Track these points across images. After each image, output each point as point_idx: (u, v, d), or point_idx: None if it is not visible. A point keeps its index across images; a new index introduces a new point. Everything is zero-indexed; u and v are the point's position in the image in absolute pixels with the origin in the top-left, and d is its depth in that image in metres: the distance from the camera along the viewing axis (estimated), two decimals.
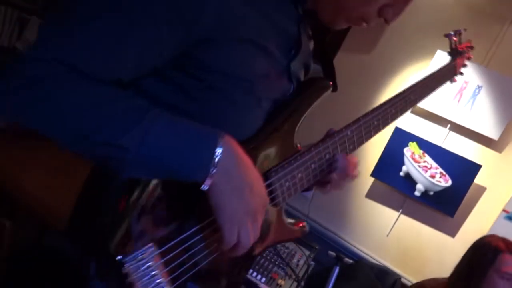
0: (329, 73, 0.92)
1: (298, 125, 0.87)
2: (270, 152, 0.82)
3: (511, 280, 1.52)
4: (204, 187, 0.64)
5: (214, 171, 0.63)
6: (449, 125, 2.36)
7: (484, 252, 1.60)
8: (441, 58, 2.37)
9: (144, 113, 0.60)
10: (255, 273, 1.94)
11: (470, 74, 2.33)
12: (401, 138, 2.41)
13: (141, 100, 0.63)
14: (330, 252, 2.25)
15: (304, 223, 1.00)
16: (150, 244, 0.66)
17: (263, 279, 1.94)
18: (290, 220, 0.97)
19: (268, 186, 0.80)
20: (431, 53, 2.41)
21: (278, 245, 2.17)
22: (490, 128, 2.26)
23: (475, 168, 2.25)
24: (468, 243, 2.30)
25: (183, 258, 0.72)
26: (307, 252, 2.24)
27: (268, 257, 2.05)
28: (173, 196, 0.69)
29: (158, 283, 0.67)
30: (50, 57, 0.57)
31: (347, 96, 2.46)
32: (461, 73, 1.26)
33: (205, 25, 0.64)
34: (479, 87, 2.31)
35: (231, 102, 0.74)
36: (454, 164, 2.30)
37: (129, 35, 0.61)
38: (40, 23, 3.53)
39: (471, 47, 1.26)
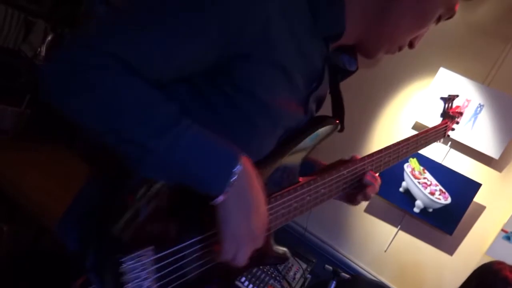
0: (338, 113, 0.98)
1: (303, 159, 0.91)
2: (274, 178, 0.86)
3: None
4: (216, 201, 0.67)
5: (229, 188, 0.66)
6: (450, 143, 2.36)
7: (491, 281, 1.55)
8: (444, 76, 2.39)
9: (177, 121, 0.63)
10: (251, 285, 1.93)
11: (472, 93, 2.34)
12: None
13: (175, 107, 0.65)
14: (327, 266, 2.23)
15: (286, 251, 1.03)
16: (152, 247, 0.68)
17: None
18: (276, 246, 1.00)
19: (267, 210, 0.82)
20: (434, 70, 2.42)
21: None
22: (490, 147, 2.26)
23: (475, 186, 2.24)
24: (466, 262, 2.30)
25: (175, 266, 0.73)
26: (304, 265, 2.22)
27: (265, 269, 2.04)
28: (179, 204, 0.71)
29: (148, 287, 0.68)
30: (106, 49, 0.60)
31: (348, 112, 2.47)
32: (448, 135, 1.41)
33: (246, 40, 0.67)
34: (480, 106, 2.32)
35: (251, 123, 0.76)
36: (454, 182, 2.29)
37: (180, 40, 0.64)
38: (45, 26, 3.56)
39: (461, 113, 1.43)
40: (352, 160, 1.01)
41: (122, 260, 0.65)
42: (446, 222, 2.30)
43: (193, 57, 0.67)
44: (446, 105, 1.42)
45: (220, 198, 0.66)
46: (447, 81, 2.39)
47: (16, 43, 3.44)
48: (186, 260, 0.75)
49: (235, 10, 0.64)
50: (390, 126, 2.56)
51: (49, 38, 3.51)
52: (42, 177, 1.99)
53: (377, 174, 1.04)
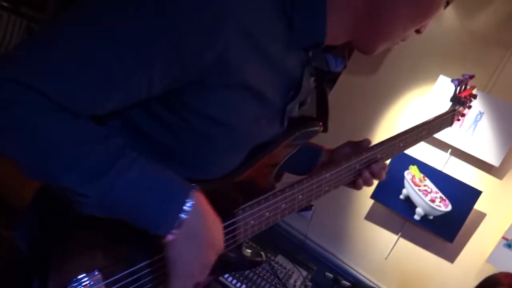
0: (322, 114, 0.91)
1: (279, 165, 0.86)
2: (245, 188, 0.81)
3: None
4: (165, 241, 0.63)
5: (177, 229, 0.62)
6: (450, 150, 2.37)
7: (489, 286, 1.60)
8: (444, 83, 2.39)
9: (113, 162, 0.56)
10: None
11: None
12: (401, 161, 2.41)
13: (115, 140, 0.58)
14: (328, 274, 2.23)
15: (262, 255, 0.98)
16: (96, 272, 0.64)
17: None
18: (248, 251, 0.95)
19: (232, 224, 0.78)
20: (434, 78, 2.42)
21: (275, 265, 2.15)
22: (491, 154, 2.27)
23: (475, 194, 2.24)
24: (467, 270, 2.29)
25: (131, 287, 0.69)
26: (305, 273, 2.21)
27: (265, 277, 2.03)
28: (126, 227, 0.65)
29: None
30: (27, 83, 0.51)
31: (347, 120, 2.47)
32: (458, 120, 1.25)
33: (201, 69, 0.60)
34: (480, 113, 2.32)
35: (213, 145, 0.71)
36: (454, 189, 2.29)
37: (120, 71, 0.55)
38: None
39: (474, 96, 1.23)
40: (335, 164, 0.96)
41: (67, 286, 0.60)
42: (446, 229, 2.30)
43: (131, 88, 0.58)
44: (458, 88, 1.22)
45: (169, 238, 0.62)
46: (447, 88, 2.40)
47: None
48: (141, 281, 0.70)
49: (189, 40, 0.56)
50: (390, 133, 2.56)
51: None
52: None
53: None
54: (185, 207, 0.61)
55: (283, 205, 0.85)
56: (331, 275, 2.25)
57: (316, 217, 2.56)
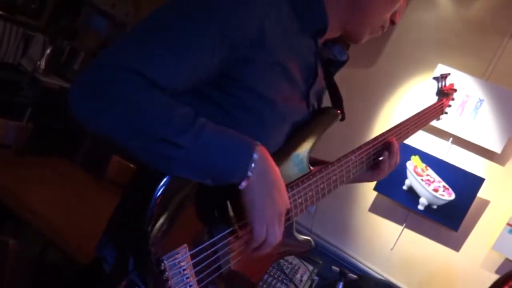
0: (337, 103, 1.03)
1: (311, 149, 0.96)
2: (287, 170, 0.91)
3: None
4: (241, 186, 0.74)
5: (251, 173, 0.73)
6: (451, 139, 2.37)
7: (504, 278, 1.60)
8: (442, 72, 2.39)
9: (195, 119, 0.70)
10: None
11: (471, 88, 2.34)
12: (403, 152, 2.40)
13: (190, 108, 0.72)
14: (334, 267, 2.23)
15: (310, 239, 1.08)
16: (185, 245, 0.74)
17: None
18: (299, 235, 1.05)
19: None
20: (432, 66, 2.42)
21: (281, 261, 2.16)
22: (492, 141, 2.27)
23: (478, 181, 2.24)
24: (473, 257, 2.30)
25: (209, 260, 0.80)
26: (311, 267, 2.22)
27: (271, 273, 2.04)
28: (205, 201, 0.78)
29: (187, 282, 0.75)
30: (129, 65, 0.66)
31: (349, 111, 2.47)
32: (446, 113, 1.44)
33: (246, 45, 0.74)
34: (480, 101, 2.32)
35: (260, 120, 0.82)
36: (457, 178, 2.29)
37: (191, 53, 0.71)
38: (43, 39, 3.58)
39: (455, 90, 1.46)
40: (358, 147, 1.06)
41: (162, 259, 0.70)
42: (451, 218, 2.30)
43: (203, 64, 0.73)
44: (440, 83, 1.45)
45: (244, 182, 0.73)
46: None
47: (16, 58, 3.47)
48: (219, 253, 0.81)
49: (234, 21, 0.72)
50: (390, 122, 2.56)
51: (48, 51, 3.53)
52: (47, 191, 2.00)
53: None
54: (253, 154, 0.73)
55: (321, 185, 0.95)
56: (337, 269, 2.25)
57: (320, 211, 2.57)
